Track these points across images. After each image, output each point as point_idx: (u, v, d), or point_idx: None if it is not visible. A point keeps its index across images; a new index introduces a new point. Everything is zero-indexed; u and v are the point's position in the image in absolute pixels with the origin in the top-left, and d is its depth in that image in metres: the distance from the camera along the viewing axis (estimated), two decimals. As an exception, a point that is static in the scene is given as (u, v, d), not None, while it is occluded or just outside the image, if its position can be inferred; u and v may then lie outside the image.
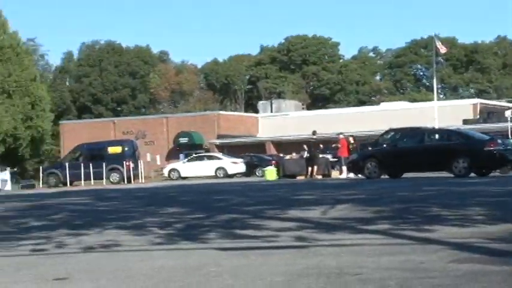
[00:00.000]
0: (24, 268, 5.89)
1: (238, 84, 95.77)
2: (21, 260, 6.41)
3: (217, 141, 60.32)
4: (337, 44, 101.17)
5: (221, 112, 67.24)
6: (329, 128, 46.56)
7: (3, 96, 53.42)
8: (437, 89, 44.00)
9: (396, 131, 33.73)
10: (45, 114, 56.50)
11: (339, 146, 32.02)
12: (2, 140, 52.86)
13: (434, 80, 46.84)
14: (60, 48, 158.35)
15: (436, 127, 36.14)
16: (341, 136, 32.54)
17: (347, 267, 5.14)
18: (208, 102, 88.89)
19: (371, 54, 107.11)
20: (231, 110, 79.42)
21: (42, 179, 43.80)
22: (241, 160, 46.72)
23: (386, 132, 34.75)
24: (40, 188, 41.00)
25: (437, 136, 26.87)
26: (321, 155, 33.17)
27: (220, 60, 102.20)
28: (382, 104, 69.73)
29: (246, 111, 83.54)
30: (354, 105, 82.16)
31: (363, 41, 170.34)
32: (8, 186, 42.72)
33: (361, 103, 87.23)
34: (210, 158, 48.14)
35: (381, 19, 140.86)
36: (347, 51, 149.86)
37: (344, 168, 30.68)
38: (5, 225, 10.29)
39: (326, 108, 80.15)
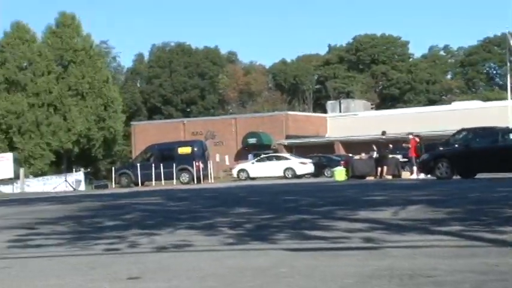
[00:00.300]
0: (98, 267, 6.01)
1: (306, 84, 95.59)
2: (95, 259, 6.55)
3: (286, 142, 60.33)
4: (407, 42, 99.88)
5: (289, 112, 67.22)
6: (398, 128, 45.95)
7: (77, 98, 54.81)
8: (511, 88, 42.76)
9: (469, 130, 33.07)
10: (117, 115, 57.69)
11: (409, 146, 31.58)
12: (76, 141, 54.25)
13: (508, 79, 45.58)
14: (132, 50, 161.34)
15: (511, 127, 35.22)
16: (411, 136, 32.10)
17: (420, 269, 5.07)
18: (276, 103, 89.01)
19: (442, 52, 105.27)
20: (299, 110, 79.31)
21: (115, 179, 44.65)
22: (309, 160, 46.58)
23: (459, 132, 34.08)
24: (112, 188, 41.82)
25: (511, 136, 26.18)
26: (390, 155, 32.77)
27: (289, 60, 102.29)
28: (454, 103, 68.44)
29: (314, 111, 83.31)
30: (424, 105, 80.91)
31: (433, 40, 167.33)
32: (82, 187, 43.74)
33: (432, 102, 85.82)
34: (279, 158, 48.17)
35: (452, 17, 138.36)
36: (417, 50, 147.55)
37: (415, 168, 30.24)
38: (80, 225, 10.53)
39: (395, 108, 79.18)
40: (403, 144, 33.69)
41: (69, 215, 12.90)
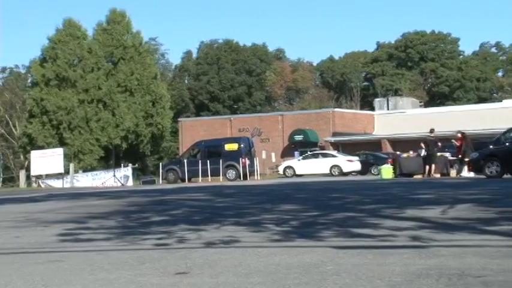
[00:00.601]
0: (147, 262, 6.08)
1: (354, 81, 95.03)
2: (144, 254, 6.63)
3: (332, 139, 60.08)
4: (457, 39, 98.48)
5: (336, 109, 66.89)
6: (447, 126, 45.34)
7: (126, 94, 55.44)
8: None
9: (520, 128, 32.47)
10: (165, 111, 58.17)
11: (458, 144, 31.16)
12: (125, 136, 54.88)
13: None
14: (180, 47, 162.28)
15: None
16: (459, 134, 31.66)
17: (469, 269, 5.00)
18: (323, 100, 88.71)
19: (493, 49, 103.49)
20: (347, 108, 78.89)
21: (162, 175, 45.05)
22: (356, 158, 46.29)
23: (509, 130, 33.44)
24: (160, 184, 42.23)
25: None
26: (439, 154, 32.35)
27: (336, 57, 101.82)
28: (505, 101, 67.26)
29: (361, 108, 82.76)
30: (474, 103, 79.71)
31: (484, 36, 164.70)
32: (130, 182, 44.28)
33: (482, 100, 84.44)
34: (325, 155, 47.97)
35: (504, 13, 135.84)
36: (467, 47, 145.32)
37: (464, 167, 29.83)
38: (128, 220, 10.67)
39: (444, 105, 78.17)
40: (452, 141, 33.25)
41: (118, 210, 13.08)
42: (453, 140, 32.94)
